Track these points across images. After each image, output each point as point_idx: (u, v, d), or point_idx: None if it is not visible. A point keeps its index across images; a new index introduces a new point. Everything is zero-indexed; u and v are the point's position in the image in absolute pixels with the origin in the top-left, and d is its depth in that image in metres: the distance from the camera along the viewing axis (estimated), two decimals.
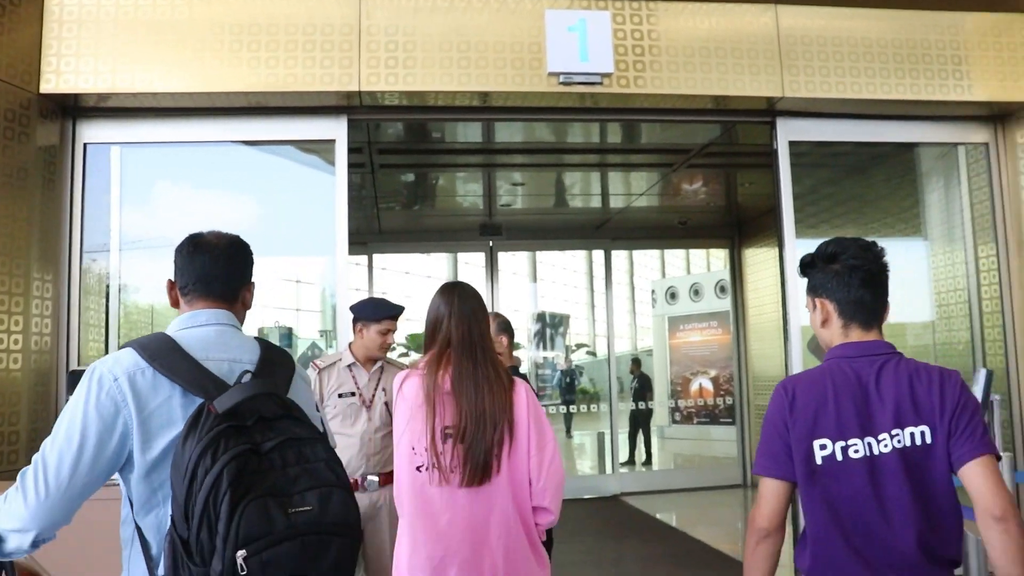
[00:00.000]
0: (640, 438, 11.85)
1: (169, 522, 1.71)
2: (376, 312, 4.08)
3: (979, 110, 5.81)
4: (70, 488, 1.71)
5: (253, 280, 2.17)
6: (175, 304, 2.07)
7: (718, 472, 10.78)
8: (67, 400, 3.72)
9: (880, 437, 2.00)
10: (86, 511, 1.83)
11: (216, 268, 2.05)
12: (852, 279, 2.19)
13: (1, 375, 4.55)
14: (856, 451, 2.00)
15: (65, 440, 1.73)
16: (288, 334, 5.73)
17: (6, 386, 4.56)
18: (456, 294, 2.68)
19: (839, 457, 2.00)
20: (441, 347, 2.61)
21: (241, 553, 1.59)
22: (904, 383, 2.04)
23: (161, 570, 1.74)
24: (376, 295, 9.77)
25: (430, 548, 2.45)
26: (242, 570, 1.58)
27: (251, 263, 2.16)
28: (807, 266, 2.35)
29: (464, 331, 2.60)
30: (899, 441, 1.99)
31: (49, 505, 1.69)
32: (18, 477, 1.73)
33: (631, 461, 11.97)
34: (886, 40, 5.49)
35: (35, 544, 1.72)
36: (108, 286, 5.39)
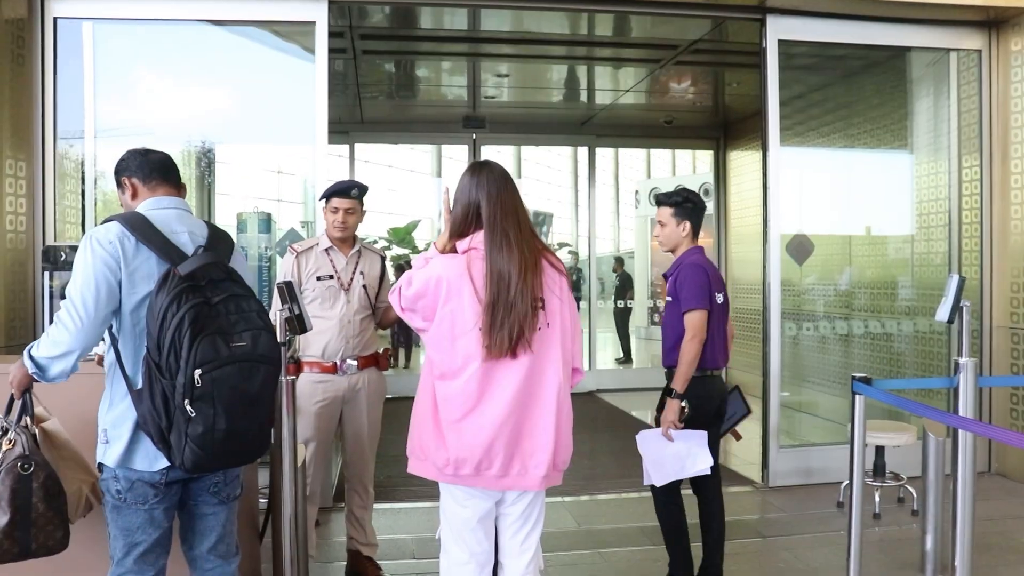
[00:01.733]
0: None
1: (144, 351, 2.35)
2: (326, 191, 4.06)
3: (975, 15, 5.71)
4: (96, 317, 2.35)
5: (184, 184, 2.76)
6: (133, 197, 2.61)
7: None
8: (43, 276, 4.02)
9: (719, 293, 3.83)
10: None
11: (170, 163, 2.67)
12: (699, 213, 3.96)
13: None
14: (719, 299, 3.83)
15: (84, 285, 2.35)
16: (267, 219, 5.68)
17: None
18: (485, 173, 2.65)
19: (719, 301, 3.83)
20: (480, 225, 2.60)
21: (198, 371, 2.26)
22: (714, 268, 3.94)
23: (139, 385, 2.35)
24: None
25: (481, 421, 2.52)
26: (198, 383, 2.25)
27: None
28: (684, 201, 3.91)
29: (497, 209, 2.59)
30: (721, 297, 3.85)
31: (85, 330, 2.34)
32: (55, 318, 2.37)
33: (627, 359, 12.16)
34: None
35: (73, 369, 2.38)
36: (84, 171, 5.30)
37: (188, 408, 2.26)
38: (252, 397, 2.37)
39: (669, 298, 3.84)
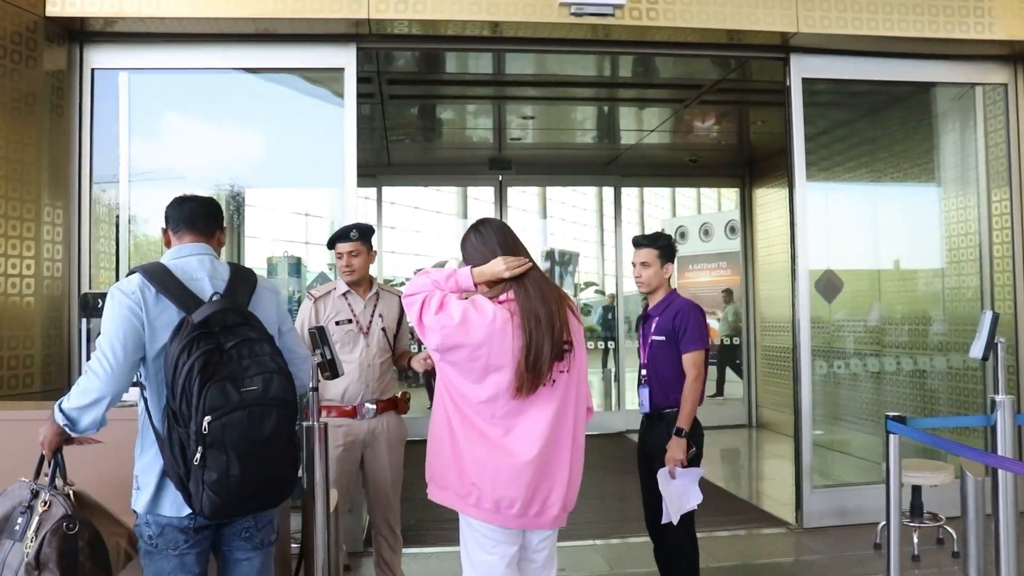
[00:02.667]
0: None
1: (165, 399, 2.37)
2: (330, 240, 4.14)
3: (999, 49, 5.70)
4: (125, 363, 2.39)
5: (224, 227, 2.80)
6: (168, 245, 2.71)
7: (724, 412, 10.84)
8: (79, 322, 4.04)
9: None
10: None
11: (199, 212, 2.70)
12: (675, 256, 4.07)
13: (15, 301, 4.59)
14: None
15: (112, 333, 2.41)
16: (297, 264, 5.74)
17: (20, 311, 4.62)
18: (490, 228, 2.76)
19: None
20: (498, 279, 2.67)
21: (207, 418, 2.28)
22: None
23: (163, 433, 2.40)
24: (377, 227, 9.75)
25: (510, 461, 2.55)
26: (206, 430, 2.27)
27: (222, 214, 2.80)
28: (667, 245, 4.00)
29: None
30: None
31: (114, 376, 2.37)
32: (85, 368, 2.42)
33: None
34: None
35: (103, 419, 2.39)
36: (118, 216, 5.41)
37: (199, 456, 2.28)
38: (265, 441, 2.37)
39: (661, 337, 3.91)
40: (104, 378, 2.37)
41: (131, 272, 2.55)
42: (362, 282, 4.15)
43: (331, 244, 4.12)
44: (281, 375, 2.46)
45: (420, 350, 4.09)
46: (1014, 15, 5.47)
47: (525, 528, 2.63)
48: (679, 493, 3.78)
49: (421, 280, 2.66)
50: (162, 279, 2.49)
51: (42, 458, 2.57)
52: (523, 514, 2.58)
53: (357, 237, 4.08)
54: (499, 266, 2.65)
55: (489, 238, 2.71)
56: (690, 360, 3.82)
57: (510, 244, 2.71)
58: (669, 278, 4.05)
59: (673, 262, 4.04)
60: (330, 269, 7.85)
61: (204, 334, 2.37)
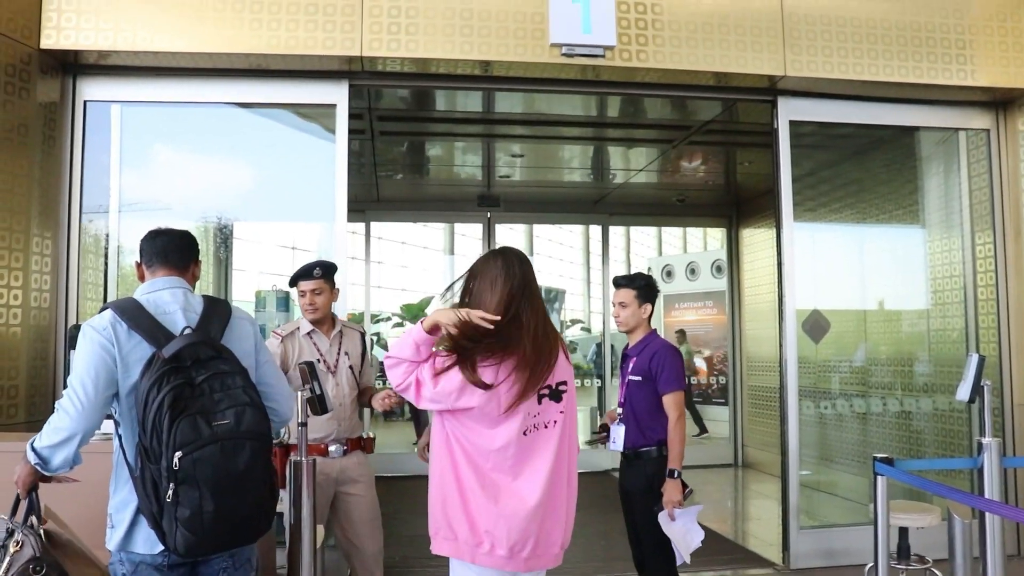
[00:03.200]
0: None
1: (137, 436, 2.33)
2: (293, 278, 4.09)
3: (981, 95, 5.80)
4: (96, 400, 2.36)
5: (199, 260, 2.79)
6: (142, 279, 2.69)
7: (710, 451, 10.82)
8: (67, 354, 3.99)
9: None
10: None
11: (172, 246, 2.69)
12: (656, 296, 4.11)
13: (1, 331, 4.56)
14: None
15: (83, 370, 2.38)
16: (285, 298, 5.73)
17: (6, 341, 4.59)
18: (514, 259, 2.70)
19: None
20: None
21: (178, 454, 2.23)
22: None
23: (136, 471, 2.36)
24: (367, 265, 9.75)
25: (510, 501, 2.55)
26: (176, 466, 2.23)
27: (197, 247, 2.79)
28: (646, 285, 4.07)
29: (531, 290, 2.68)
30: None
31: (85, 413, 2.34)
32: (56, 406, 2.39)
33: None
34: (890, 22, 5.47)
35: (76, 457, 2.36)
36: (107, 246, 5.39)
37: (171, 492, 2.24)
38: (239, 475, 2.33)
39: (637, 377, 3.97)
40: (74, 416, 2.34)
41: (103, 308, 2.53)
42: (325, 320, 4.11)
43: (293, 282, 4.08)
44: (254, 408, 2.41)
45: (384, 386, 4.06)
46: (995, 62, 5.57)
47: (532, 570, 2.61)
48: (682, 533, 3.79)
49: (399, 348, 2.59)
50: (133, 314, 2.46)
51: (18, 497, 2.54)
52: (533, 555, 2.57)
53: (320, 275, 4.04)
54: (451, 316, 2.53)
55: (510, 270, 2.65)
56: (671, 401, 3.86)
57: (524, 285, 2.65)
58: (649, 318, 4.08)
59: (652, 302, 4.07)
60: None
61: (174, 368, 2.34)
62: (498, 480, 2.54)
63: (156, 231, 2.73)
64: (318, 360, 3.98)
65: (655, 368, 3.89)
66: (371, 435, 4.25)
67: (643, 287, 4.04)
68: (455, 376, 2.50)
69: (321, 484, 3.93)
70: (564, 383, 2.65)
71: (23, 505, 2.55)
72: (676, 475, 3.77)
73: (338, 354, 4.08)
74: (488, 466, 2.55)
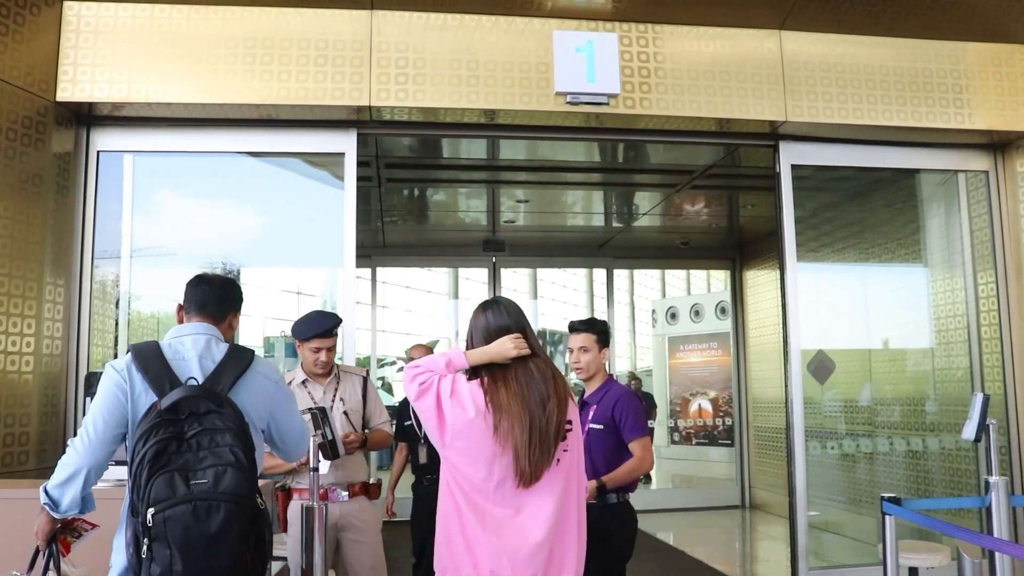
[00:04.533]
0: None
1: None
2: (306, 331, 3.99)
3: (979, 138, 5.89)
4: (104, 437, 2.41)
5: (239, 311, 2.84)
6: (180, 322, 2.72)
7: (716, 493, 10.79)
8: (79, 401, 4.03)
9: None
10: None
11: (210, 297, 2.74)
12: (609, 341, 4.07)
13: (13, 378, 4.60)
14: None
15: (96, 409, 2.44)
16: (293, 344, 5.77)
17: (18, 388, 4.62)
18: (503, 307, 2.76)
19: None
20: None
21: (151, 511, 2.20)
22: None
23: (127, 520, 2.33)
24: (373, 309, 9.80)
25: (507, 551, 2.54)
26: (150, 523, 2.20)
27: (240, 298, 2.86)
28: (604, 330, 3.98)
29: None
30: None
31: (92, 448, 2.39)
32: (68, 444, 2.43)
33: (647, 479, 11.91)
34: (888, 67, 5.57)
35: (84, 499, 2.40)
36: (117, 293, 5.45)
37: (145, 548, 2.22)
38: (212, 538, 2.24)
39: (599, 426, 3.86)
40: (81, 450, 2.38)
41: (129, 349, 2.57)
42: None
43: (305, 336, 3.99)
44: (237, 468, 2.32)
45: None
46: (992, 106, 5.67)
47: None
48: None
49: (430, 363, 2.65)
50: (146, 359, 2.49)
51: (37, 550, 2.54)
52: None
53: (335, 331, 4.05)
54: (507, 345, 2.61)
55: (500, 316, 2.72)
56: (638, 445, 3.79)
57: (521, 324, 2.72)
58: (605, 362, 4.05)
59: (608, 347, 4.03)
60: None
61: (167, 421, 2.31)
62: (500, 517, 2.56)
63: (200, 277, 2.78)
64: (311, 408, 3.99)
65: (618, 416, 3.81)
66: (377, 480, 4.23)
67: (602, 332, 3.98)
68: (469, 401, 2.58)
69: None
70: (569, 422, 2.67)
71: (43, 557, 2.54)
72: (604, 488, 3.65)
73: (333, 400, 4.05)
74: (489, 503, 2.56)
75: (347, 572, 4.04)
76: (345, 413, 4.04)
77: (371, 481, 4.14)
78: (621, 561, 3.82)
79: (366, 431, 4.13)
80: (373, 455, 6.82)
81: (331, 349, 4.02)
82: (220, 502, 2.26)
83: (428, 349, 5.63)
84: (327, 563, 3.97)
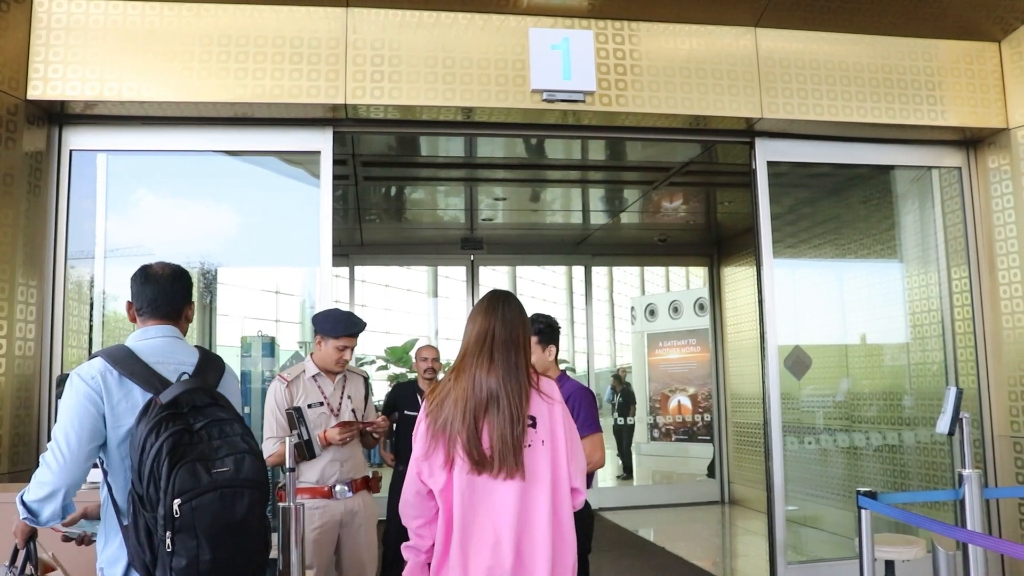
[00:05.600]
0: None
1: (130, 484, 2.29)
2: (335, 328, 4.06)
3: (952, 135, 5.94)
4: (79, 454, 2.32)
5: (193, 300, 2.75)
6: (132, 320, 2.67)
7: (696, 488, 10.84)
8: (52, 403, 3.97)
9: None
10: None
11: (162, 294, 2.64)
12: (557, 336, 4.03)
13: None
14: None
15: (68, 422, 2.34)
16: (271, 343, 5.75)
17: None
18: (484, 301, 2.78)
19: None
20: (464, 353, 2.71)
21: (177, 501, 2.19)
22: None
23: (126, 520, 2.32)
24: (351, 309, 9.78)
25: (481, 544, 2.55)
26: (176, 514, 2.18)
27: (190, 288, 2.75)
28: (546, 327, 3.96)
29: (476, 335, 2.71)
30: None
31: (68, 468, 2.30)
32: (40, 459, 2.34)
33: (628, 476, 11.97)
34: (863, 65, 5.61)
35: (64, 509, 2.31)
36: (92, 293, 5.40)
37: (168, 541, 2.19)
38: (237, 525, 2.28)
39: None
40: (56, 471, 2.30)
41: (93, 356, 2.50)
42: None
43: (335, 333, 4.06)
44: (253, 455, 2.38)
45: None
46: (964, 103, 5.72)
47: None
48: None
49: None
50: (126, 363, 2.45)
51: (15, 550, 2.55)
52: None
53: (357, 334, 4.13)
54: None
55: (476, 315, 2.74)
56: (590, 442, 3.76)
57: (506, 332, 2.69)
58: (555, 360, 4.02)
59: (556, 343, 4.00)
60: (301, 347, 7.83)
61: (172, 415, 2.30)
62: (461, 521, 2.55)
63: (146, 273, 2.68)
64: (321, 403, 4.03)
65: (571, 412, 3.84)
66: (377, 474, 4.30)
67: (543, 329, 3.97)
68: (418, 435, 2.66)
69: (326, 529, 3.94)
70: (532, 417, 2.65)
71: (21, 555, 2.56)
72: None
73: (341, 397, 4.13)
74: (460, 509, 2.56)
75: (342, 565, 4.08)
76: (353, 411, 4.14)
77: (372, 475, 4.23)
78: (582, 555, 3.82)
79: (379, 417, 4.28)
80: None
81: (352, 349, 4.12)
82: (244, 488, 2.31)
83: (436, 350, 5.66)
84: (326, 565, 3.99)
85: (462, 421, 2.56)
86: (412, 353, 6.22)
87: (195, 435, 2.32)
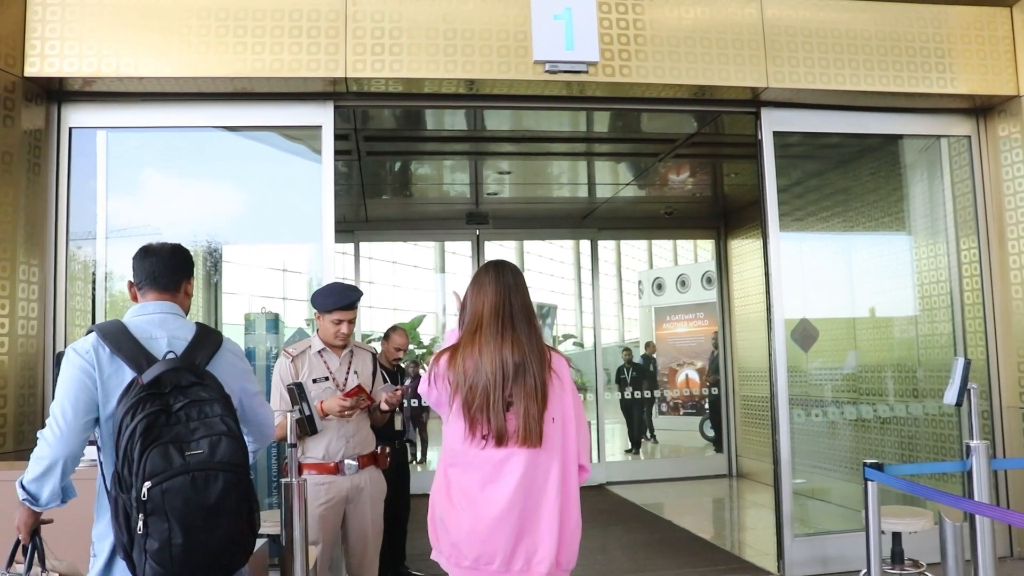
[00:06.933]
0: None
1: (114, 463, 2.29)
2: (328, 302, 4.02)
3: (962, 103, 5.86)
4: (75, 425, 2.33)
5: (192, 276, 2.74)
6: (134, 299, 2.66)
7: (703, 462, 10.84)
8: (54, 380, 3.98)
9: None
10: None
11: (161, 267, 2.63)
12: None
13: None
14: None
15: (63, 395, 2.36)
16: (275, 320, 5.72)
17: None
18: (506, 271, 2.79)
19: None
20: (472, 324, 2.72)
21: (147, 484, 2.17)
22: None
23: (112, 498, 2.30)
24: (355, 283, 9.76)
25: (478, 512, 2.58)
26: (145, 497, 2.16)
27: (189, 262, 2.73)
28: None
29: (492, 304, 2.72)
30: None
31: (64, 439, 2.31)
32: (38, 436, 2.35)
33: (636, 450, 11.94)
34: (870, 32, 5.53)
35: (64, 490, 2.33)
36: (94, 273, 5.39)
37: (140, 523, 2.17)
38: (210, 508, 2.23)
39: None
40: (53, 442, 2.31)
41: (89, 330, 2.49)
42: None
43: (326, 308, 4.02)
44: (230, 438, 2.33)
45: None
46: (974, 70, 5.64)
47: None
48: None
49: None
50: (116, 338, 2.42)
51: (17, 543, 2.50)
52: (505, 570, 2.55)
53: (356, 305, 4.08)
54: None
55: (487, 284, 2.75)
56: None
57: (510, 296, 2.72)
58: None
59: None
60: (307, 324, 7.81)
61: (152, 395, 2.28)
62: (470, 489, 2.57)
63: (146, 249, 2.67)
64: (327, 377, 4.01)
65: None
66: (385, 449, 4.27)
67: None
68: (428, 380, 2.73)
69: (332, 504, 3.93)
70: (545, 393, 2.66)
71: (23, 553, 2.50)
72: None
73: (347, 372, 4.10)
74: (460, 473, 2.60)
75: (348, 539, 4.08)
76: (359, 386, 4.07)
77: (379, 450, 4.21)
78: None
79: (397, 388, 4.23)
80: None
81: (351, 322, 4.06)
82: (218, 471, 2.26)
83: (407, 335, 5.67)
84: (333, 540, 3.99)
85: (492, 400, 2.58)
86: (385, 332, 6.16)
87: (173, 416, 2.29)
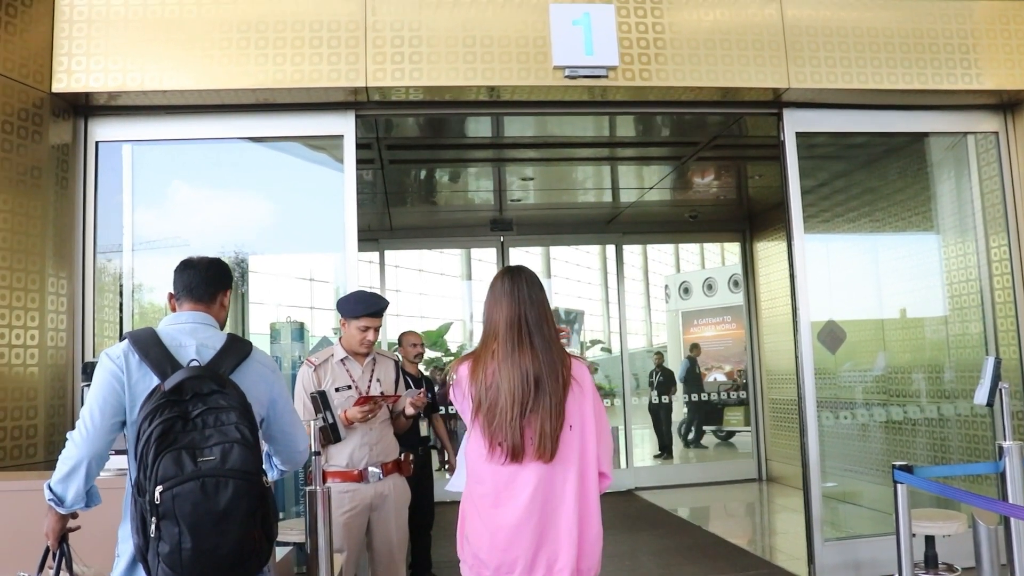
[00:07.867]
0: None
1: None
2: (355, 309, 4.03)
3: (988, 99, 5.78)
4: (102, 426, 2.39)
5: (229, 288, 2.82)
6: (173, 310, 2.73)
7: (734, 466, 10.75)
8: (83, 391, 4.03)
9: None
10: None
11: (197, 279, 2.71)
12: None
13: (19, 371, 4.61)
14: None
15: (93, 397, 2.43)
16: (300, 329, 5.76)
17: (24, 381, 4.63)
18: (521, 278, 2.75)
19: None
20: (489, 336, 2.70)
21: (159, 489, 2.21)
22: None
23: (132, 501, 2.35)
24: (382, 291, 9.79)
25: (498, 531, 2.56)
26: (157, 501, 2.20)
27: (227, 275, 2.82)
28: None
29: (507, 318, 2.69)
30: None
31: (90, 439, 2.37)
32: (67, 437, 2.42)
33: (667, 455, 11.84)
34: (893, 29, 5.47)
35: (89, 494, 2.39)
36: (122, 285, 5.45)
37: (153, 527, 2.22)
38: (220, 514, 2.25)
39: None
40: (79, 442, 2.36)
41: (123, 337, 2.56)
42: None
43: (354, 314, 4.03)
44: (243, 445, 2.34)
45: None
46: (1001, 65, 5.56)
47: None
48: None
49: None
50: (145, 345, 2.48)
51: (46, 551, 2.53)
52: None
53: (377, 314, 4.08)
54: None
55: (501, 296, 2.72)
56: None
57: (526, 308, 2.69)
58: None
59: None
60: (333, 333, 7.85)
61: (171, 401, 2.32)
62: (487, 498, 2.57)
63: (186, 262, 2.76)
64: (349, 386, 4.02)
65: None
66: (409, 456, 4.26)
67: None
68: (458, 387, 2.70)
69: (356, 512, 3.94)
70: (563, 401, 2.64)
71: (52, 559, 2.53)
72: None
73: (370, 380, 4.11)
74: (479, 485, 2.60)
75: (371, 549, 4.08)
76: (381, 393, 4.11)
77: (403, 457, 4.20)
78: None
79: (421, 391, 4.25)
80: None
81: (377, 330, 4.07)
82: (228, 478, 2.28)
83: (420, 336, 5.70)
84: (357, 548, 4.00)
85: (510, 419, 2.56)
86: (397, 338, 6.18)
87: (190, 423, 2.32)
